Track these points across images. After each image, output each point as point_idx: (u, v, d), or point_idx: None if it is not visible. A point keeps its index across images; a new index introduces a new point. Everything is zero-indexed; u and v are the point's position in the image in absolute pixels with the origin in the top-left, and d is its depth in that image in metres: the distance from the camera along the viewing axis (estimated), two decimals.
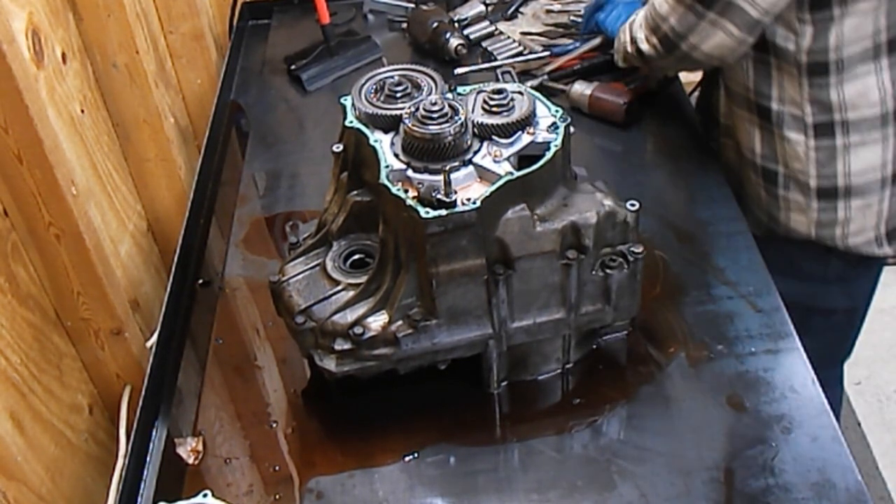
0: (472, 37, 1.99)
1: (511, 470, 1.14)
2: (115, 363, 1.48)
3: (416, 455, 1.15)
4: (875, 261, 1.58)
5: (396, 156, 1.10)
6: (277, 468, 1.17)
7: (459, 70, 1.86)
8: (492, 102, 1.12)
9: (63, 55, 1.49)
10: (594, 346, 1.26)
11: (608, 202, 1.13)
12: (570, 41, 1.87)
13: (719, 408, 1.17)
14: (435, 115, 1.07)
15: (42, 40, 1.39)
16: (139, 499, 1.16)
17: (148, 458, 1.21)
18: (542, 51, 1.88)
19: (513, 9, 2.06)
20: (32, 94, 1.22)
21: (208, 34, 2.07)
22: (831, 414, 1.15)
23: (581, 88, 1.71)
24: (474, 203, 1.03)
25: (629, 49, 1.53)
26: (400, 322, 1.11)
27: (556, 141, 1.10)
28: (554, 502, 1.09)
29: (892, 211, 1.51)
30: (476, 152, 1.10)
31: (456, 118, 1.08)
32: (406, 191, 1.06)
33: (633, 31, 1.51)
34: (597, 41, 1.79)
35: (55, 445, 1.30)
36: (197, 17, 2.01)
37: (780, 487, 1.07)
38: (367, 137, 1.12)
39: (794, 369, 1.21)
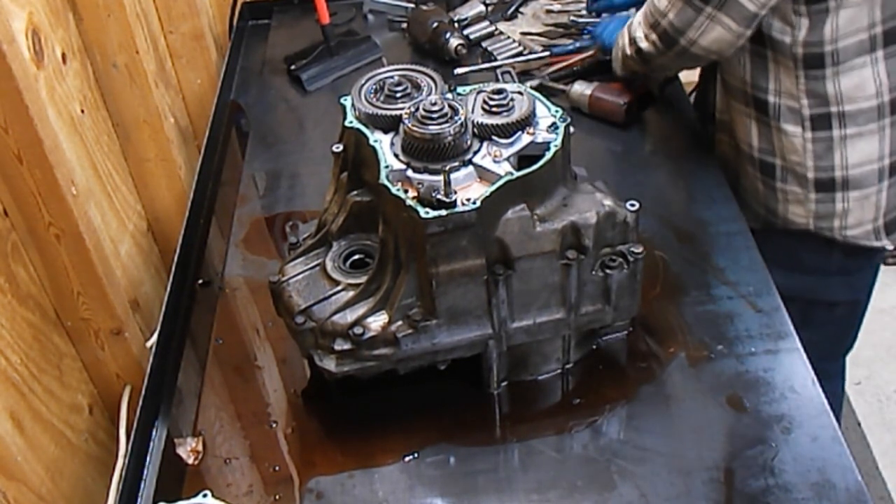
0: (472, 37, 1.99)
1: (511, 470, 1.14)
2: (115, 363, 1.48)
3: (416, 455, 1.15)
4: (874, 252, 1.59)
5: (396, 156, 1.10)
6: (277, 468, 1.17)
7: (459, 70, 1.86)
8: (492, 102, 1.12)
9: (63, 55, 1.49)
10: (594, 346, 1.26)
11: (608, 202, 1.13)
12: (570, 41, 1.88)
13: (719, 408, 1.17)
14: (435, 116, 1.07)
15: (42, 40, 1.39)
16: (139, 499, 1.16)
17: (148, 458, 1.21)
18: (542, 51, 1.88)
19: (513, 9, 2.06)
20: (32, 94, 1.22)
21: (208, 34, 2.07)
22: (831, 414, 1.15)
23: (581, 88, 1.71)
24: (474, 203, 1.03)
25: (628, 51, 1.54)
26: (400, 322, 1.11)
27: (556, 141, 1.10)
28: (554, 502, 1.09)
29: (890, 203, 1.52)
30: (476, 152, 1.10)
31: (456, 118, 1.08)
32: (406, 191, 1.06)
33: (632, 32, 1.52)
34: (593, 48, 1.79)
35: (55, 445, 1.30)
36: (197, 17, 2.01)
37: (780, 487, 1.07)
38: (366, 137, 1.12)
39: (794, 369, 1.21)
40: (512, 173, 1.06)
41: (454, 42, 1.90)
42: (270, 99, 1.96)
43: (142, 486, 1.18)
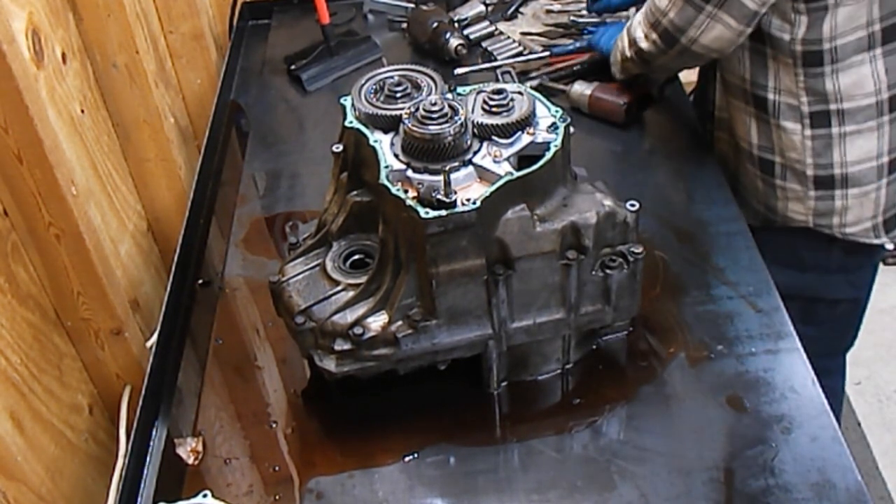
0: (472, 37, 1.99)
1: (511, 470, 1.14)
2: (115, 363, 1.48)
3: (416, 455, 1.15)
4: (874, 249, 1.59)
5: (396, 156, 1.10)
6: (277, 468, 1.17)
7: (459, 70, 1.86)
8: (492, 103, 1.12)
9: (63, 55, 1.49)
10: (594, 347, 1.26)
11: (608, 202, 1.13)
12: (570, 41, 1.87)
13: (719, 408, 1.17)
14: (435, 116, 1.07)
15: (42, 40, 1.39)
16: (139, 499, 1.16)
17: (148, 458, 1.21)
18: (542, 51, 1.88)
19: (513, 9, 2.06)
20: (32, 94, 1.22)
21: (208, 34, 2.07)
22: (831, 414, 1.15)
23: (581, 88, 1.71)
24: (474, 203, 1.03)
25: (628, 53, 1.55)
26: (400, 322, 1.11)
27: (556, 141, 1.10)
28: (554, 502, 1.09)
29: (889, 200, 1.53)
30: (476, 152, 1.10)
31: (456, 118, 1.08)
32: (406, 191, 1.06)
33: (632, 33, 1.52)
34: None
35: (55, 445, 1.30)
36: (197, 17, 2.01)
37: (780, 487, 1.07)
38: (366, 138, 1.12)
39: (794, 369, 1.21)
40: (512, 173, 1.06)
41: (454, 42, 1.90)
42: (270, 99, 1.96)
43: (142, 486, 1.18)
